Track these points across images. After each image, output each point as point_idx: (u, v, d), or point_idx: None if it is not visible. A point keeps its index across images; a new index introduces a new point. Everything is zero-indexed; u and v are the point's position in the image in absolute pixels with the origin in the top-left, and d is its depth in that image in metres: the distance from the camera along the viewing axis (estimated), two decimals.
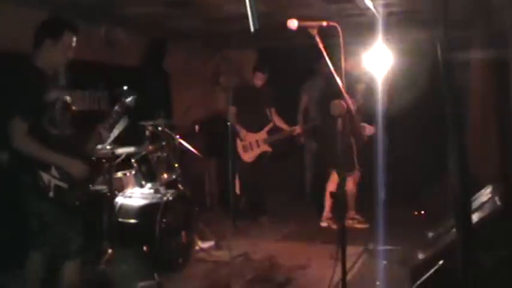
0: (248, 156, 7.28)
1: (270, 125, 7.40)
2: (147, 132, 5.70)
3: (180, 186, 5.78)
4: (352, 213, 6.98)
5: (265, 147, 7.34)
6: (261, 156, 7.35)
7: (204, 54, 8.90)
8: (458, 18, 5.85)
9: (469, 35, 6.45)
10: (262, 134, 7.34)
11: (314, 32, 3.42)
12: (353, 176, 6.79)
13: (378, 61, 5.80)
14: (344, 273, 3.46)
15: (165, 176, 5.65)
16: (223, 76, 8.78)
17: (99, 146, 4.79)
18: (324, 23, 3.39)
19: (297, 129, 7.49)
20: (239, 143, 7.28)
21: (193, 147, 6.16)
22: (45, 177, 3.56)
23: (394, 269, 4.94)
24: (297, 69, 8.20)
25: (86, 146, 3.89)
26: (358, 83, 6.55)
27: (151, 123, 5.75)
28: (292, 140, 7.98)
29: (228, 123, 7.05)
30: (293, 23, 3.43)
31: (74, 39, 3.74)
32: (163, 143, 5.73)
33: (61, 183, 3.61)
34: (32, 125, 3.49)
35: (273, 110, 7.51)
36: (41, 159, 3.54)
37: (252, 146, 7.30)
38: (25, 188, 3.60)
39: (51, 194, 3.56)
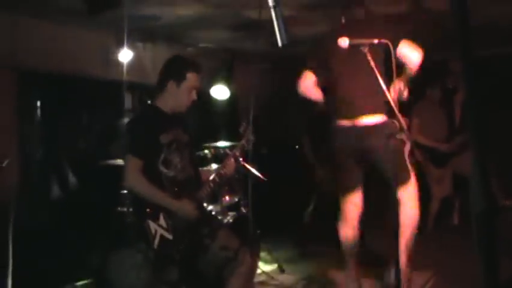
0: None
1: None
2: (209, 155, 5.72)
3: (242, 208, 5.75)
4: None
5: None
6: None
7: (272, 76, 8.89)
8: None
9: None
10: None
11: (365, 49, 3.35)
12: None
13: None
14: None
15: (227, 198, 5.64)
16: None
17: None
18: (375, 41, 3.31)
19: None
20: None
21: (261, 170, 6.03)
22: (153, 226, 3.48)
23: None
24: None
25: (199, 192, 3.74)
26: None
27: (214, 145, 5.77)
28: None
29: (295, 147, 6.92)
30: (344, 41, 3.38)
31: (198, 80, 3.68)
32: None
33: (166, 234, 3.52)
34: (145, 165, 3.47)
35: None
36: (150, 199, 3.48)
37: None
38: (132, 233, 3.64)
39: (155, 245, 3.48)
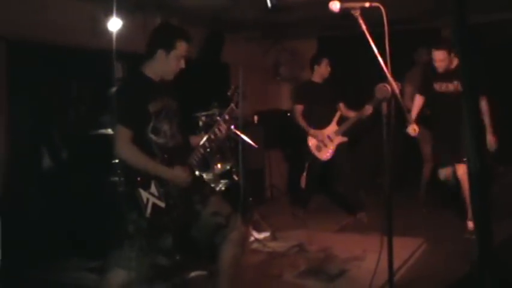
0: (325, 155, 6.79)
1: (338, 115, 6.83)
2: (201, 123, 5.68)
3: (234, 176, 5.75)
4: None
5: (340, 139, 6.78)
6: (339, 149, 6.80)
7: (263, 45, 8.83)
8: None
9: None
10: (332, 127, 6.80)
11: (357, 13, 3.30)
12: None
13: None
14: (391, 266, 3.34)
15: (219, 166, 5.63)
16: (282, 67, 8.72)
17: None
18: (367, 4, 3.26)
19: (368, 109, 6.47)
20: (311, 143, 6.84)
21: (252, 139, 5.98)
22: (144, 195, 3.44)
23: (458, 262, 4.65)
24: (358, 58, 7.93)
25: (189, 158, 3.68)
26: None
27: (204, 113, 5.73)
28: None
29: (287, 115, 6.85)
30: (335, 5, 3.31)
31: (187, 48, 3.59)
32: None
33: (159, 202, 3.47)
34: (135, 133, 3.41)
35: (341, 105, 6.91)
36: (142, 168, 3.42)
37: (324, 142, 6.79)
38: (123, 202, 3.52)
39: (147, 213, 3.43)
